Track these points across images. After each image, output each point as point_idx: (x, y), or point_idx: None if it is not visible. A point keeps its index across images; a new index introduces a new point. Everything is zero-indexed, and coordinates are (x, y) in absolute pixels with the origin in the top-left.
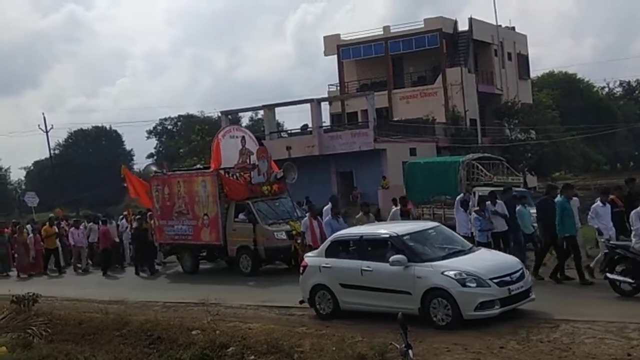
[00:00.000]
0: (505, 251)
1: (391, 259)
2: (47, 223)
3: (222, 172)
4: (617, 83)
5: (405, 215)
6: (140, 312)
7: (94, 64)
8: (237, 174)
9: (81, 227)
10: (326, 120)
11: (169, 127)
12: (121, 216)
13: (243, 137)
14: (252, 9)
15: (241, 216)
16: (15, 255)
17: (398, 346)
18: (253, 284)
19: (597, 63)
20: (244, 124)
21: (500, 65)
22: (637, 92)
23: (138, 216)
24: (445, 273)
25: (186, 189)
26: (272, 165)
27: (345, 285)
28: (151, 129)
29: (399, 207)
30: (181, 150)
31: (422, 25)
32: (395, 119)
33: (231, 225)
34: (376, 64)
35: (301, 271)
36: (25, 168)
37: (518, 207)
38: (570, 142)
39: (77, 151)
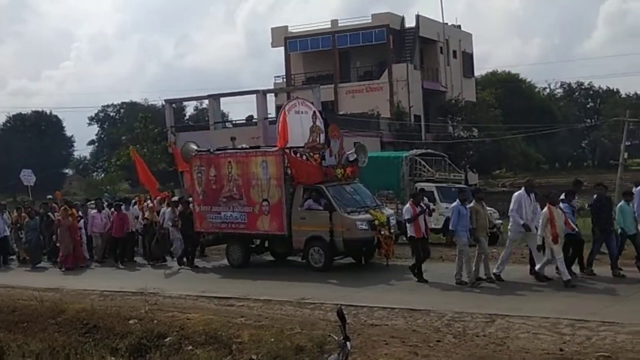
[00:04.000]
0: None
1: None
2: (66, 206)
3: (287, 151)
4: (558, 84)
5: None
6: (77, 300)
7: (38, 46)
8: (307, 155)
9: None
10: (272, 112)
11: (112, 114)
12: (133, 201)
13: (314, 112)
14: None
15: (309, 202)
16: (58, 244)
17: (336, 338)
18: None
19: (542, 63)
20: (188, 114)
21: (446, 63)
22: (577, 93)
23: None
24: None
25: (240, 170)
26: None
27: None
28: (93, 115)
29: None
30: (123, 138)
31: (370, 21)
32: (340, 112)
33: (298, 212)
34: (323, 57)
35: None
36: None
37: (620, 204)
38: (511, 140)
39: (16, 135)
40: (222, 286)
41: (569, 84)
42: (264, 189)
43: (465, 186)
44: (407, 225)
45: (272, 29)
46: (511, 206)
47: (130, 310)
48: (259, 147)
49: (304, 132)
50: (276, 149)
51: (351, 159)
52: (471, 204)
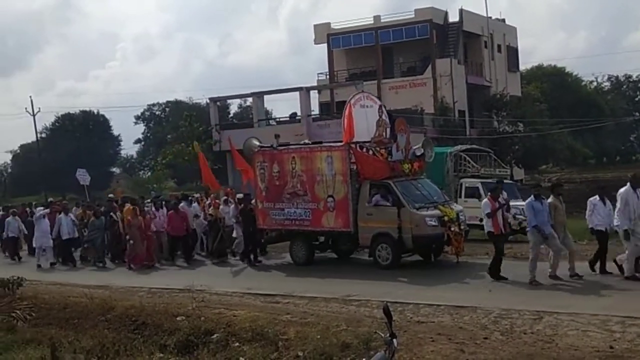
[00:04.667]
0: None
1: None
2: (129, 203)
3: (353, 146)
4: (606, 77)
5: None
6: (125, 297)
7: (85, 47)
8: (373, 150)
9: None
10: (315, 109)
11: (157, 112)
12: (190, 198)
13: (380, 106)
14: None
15: (377, 198)
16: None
17: (382, 335)
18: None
19: (589, 56)
20: (232, 111)
21: (490, 57)
22: (624, 86)
23: (224, 197)
24: None
25: (304, 166)
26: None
27: None
28: (139, 114)
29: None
30: (169, 137)
31: (413, 16)
32: None
33: (365, 209)
34: (366, 53)
35: None
36: (11, 151)
37: None
38: (557, 135)
39: (64, 135)
40: (268, 283)
41: (617, 77)
42: (329, 185)
43: (511, 182)
44: (485, 220)
45: (315, 25)
46: (618, 205)
47: (178, 307)
48: (321, 142)
49: (369, 126)
50: (342, 144)
51: (418, 153)
52: (549, 199)
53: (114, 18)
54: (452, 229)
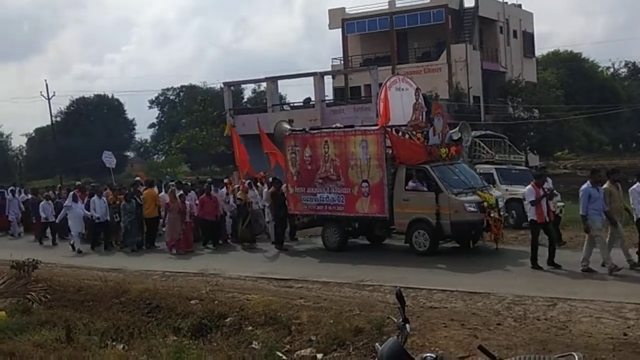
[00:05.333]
0: None
1: None
2: (147, 186)
3: (389, 130)
4: (623, 63)
5: None
6: (139, 280)
7: (100, 31)
8: (410, 134)
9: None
10: (329, 94)
11: (171, 97)
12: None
13: (417, 89)
14: None
15: (412, 184)
16: (165, 227)
17: (395, 320)
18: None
19: (605, 42)
20: (246, 96)
21: (506, 43)
22: None
23: (248, 181)
24: None
25: (337, 150)
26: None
27: None
28: (154, 98)
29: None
30: (183, 121)
31: (428, 1)
32: None
33: (401, 194)
34: (381, 38)
35: None
36: (26, 135)
37: None
38: (573, 121)
39: (79, 119)
40: (281, 268)
41: (634, 63)
42: (364, 170)
43: (525, 168)
44: (529, 208)
45: (329, 10)
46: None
47: (192, 291)
48: (352, 126)
49: (404, 109)
50: (377, 127)
51: (455, 137)
52: (605, 185)
53: (130, 1)
54: (492, 214)
